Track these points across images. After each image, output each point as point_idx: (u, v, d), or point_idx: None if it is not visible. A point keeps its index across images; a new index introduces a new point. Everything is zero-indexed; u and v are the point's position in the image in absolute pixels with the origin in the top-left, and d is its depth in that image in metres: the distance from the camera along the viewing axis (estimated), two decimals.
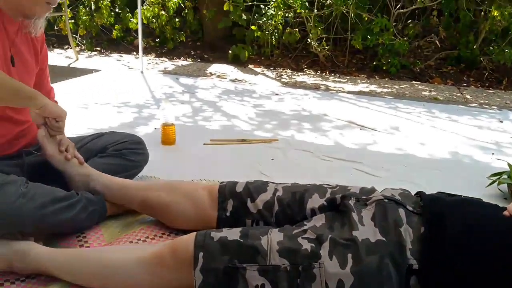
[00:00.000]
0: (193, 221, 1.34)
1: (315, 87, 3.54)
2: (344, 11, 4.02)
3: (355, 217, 1.07)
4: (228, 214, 1.30)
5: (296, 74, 3.97)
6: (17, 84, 1.24)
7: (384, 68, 3.99)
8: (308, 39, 4.19)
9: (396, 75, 3.98)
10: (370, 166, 2.00)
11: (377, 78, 3.96)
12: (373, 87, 3.61)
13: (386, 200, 1.10)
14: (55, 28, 4.64)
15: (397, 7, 4.00)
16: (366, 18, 4.02)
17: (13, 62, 1.38)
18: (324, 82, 3.71)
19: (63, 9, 4.09)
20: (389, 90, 3.55)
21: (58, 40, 4.67)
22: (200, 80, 3.57)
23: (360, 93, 3.41)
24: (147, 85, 3.32)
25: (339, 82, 3.77)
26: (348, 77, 3.94)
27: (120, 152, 1.61)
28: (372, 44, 3.92)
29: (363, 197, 1.14)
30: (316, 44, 4.07)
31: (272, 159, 2.07)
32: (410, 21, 4.32)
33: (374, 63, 4.15)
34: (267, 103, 3.01)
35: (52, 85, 1.66)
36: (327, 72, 4.08)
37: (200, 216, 1.33)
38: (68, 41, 4.22)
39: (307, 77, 3.88)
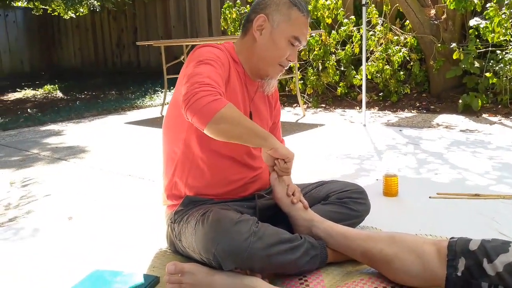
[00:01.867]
0: (417, 277, 1.23)
1: None
2: None
3: None
4: (459, 273, 1.16)
5: None
6: (252, 124, 1.36)
7: None
8: None
9: None
10: None
11: None
12: None
13: None
14: (286, 89, 5.12)
15: None
16: None
17: (251, 117, 1.56)
18: None
19: (294, 71, 4.50)
20: None
21: (288, 99, 5.13)
22: (425, 131, 3.39)
23: None
24: (369, 137, 3.32)
25: None
26: None
27: (342, 200, 1.62)
28: None
29: None
30: None
31: None
32: None
33: None
34: (506, 155, 2.64)
35: (283, 138, 1.81)
36: None
37: (426, 273, 1.22)
38: (297, 99, 4.59)
39: None
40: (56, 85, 8.07)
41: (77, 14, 7.79)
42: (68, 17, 7.87)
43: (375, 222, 1.74)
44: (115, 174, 2.71)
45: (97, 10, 7.75)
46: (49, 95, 7.23)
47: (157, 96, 6.15)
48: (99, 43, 9.42)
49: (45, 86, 8.00)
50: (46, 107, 5.90)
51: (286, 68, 1.57)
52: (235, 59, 1.53)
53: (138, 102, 5.76)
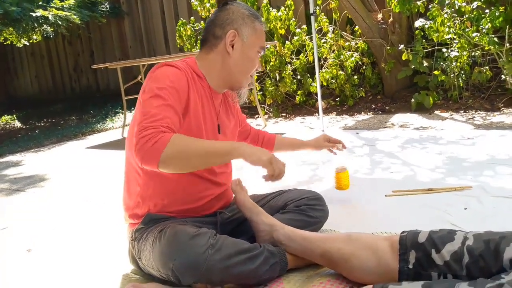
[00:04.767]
0: (373, 273, 1.28)
1: None
2: None
3: None
4: (410, 266, 1.21)
5: (492, 115, 3.58)
6: (208, 145, 1.33)
7: None
8: (502, 76, 3.77)
9: None
10: None
11: None
12: None
13: None
14: (247, 100, 5.16)
15: None
16: None
17: (219, 130, 1.59)
18: None
19: (252, 83, 4.55)
20: None
21: (250, 111, 5.17)
22: (380, 132, 3.49)
23: None
24: None
25: None
26: None
27: (300, 208, 1.66)
28: None
29: None
30: None
31: (465, 209, 1.86)
32: None
33: None
34: (456, 149, 2.76)
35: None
36: None
37: (380, 268, 1.27)
38: (257, 111, 4.64)
39: (505, 117, 3.46)
40: (14, 115, 7.87)
41: (31, 41, 7.65)
42: (22, 45, 7.71)
43: (334, 225, 1.78)
44: (75, 201, 2.67)
45: (51, 36, 7.63)
46: (7, 126, 7.04)
47: (118, 118, 6.09)
48: (55, 69, 9.25)
49: (2, 117, 7.79)
50: (3, 138, 5.75)
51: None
52: (199, 74, 1.52)
53: (98, 126, 5.68)
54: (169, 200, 1.51)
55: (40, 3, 5.86)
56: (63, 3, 5.93)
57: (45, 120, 7.05)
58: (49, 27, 7.07)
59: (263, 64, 4.95)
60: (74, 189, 2.95)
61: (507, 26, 3.62)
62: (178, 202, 1.52)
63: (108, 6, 7.37)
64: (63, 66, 9.10)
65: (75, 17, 6.02)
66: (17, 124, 7.14)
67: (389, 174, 2.45)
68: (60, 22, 5.92)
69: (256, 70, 1.59)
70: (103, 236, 2.04)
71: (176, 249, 1.28)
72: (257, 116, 4.94)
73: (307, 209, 1.66)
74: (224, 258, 1.28)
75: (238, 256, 1.31)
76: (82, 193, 2.81)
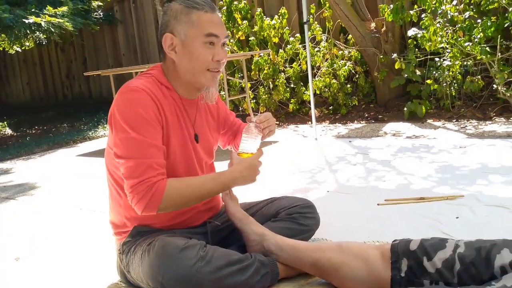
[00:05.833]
0: (365, 282, 1.27)
1: (508, 135, 3.13)
2: None
3: None
4: (402, 274, 1.21)
5: (484, 124, 3.60)
6: (199, 189, 1.41)
7: None
8: (494, 85, 3.80)
9: None
10: None
11: None
12: None
13: None
14: (240, 109, 5.16)
15: None
16: None
17: (197, 139, 1.53)
18: None
19: (246, 91, 4.55)
20: None
21: (243, 119, 5.16)
22: (373, 141, 3.49)
23: None
24: (320, 150, 3.38)
25: None
26: None
27: (292, 216, 1.65)
28: None
29: None
30: (504, 89, 3.66)
31: (457, 217, 1.85)
32: None
33: None
34: (448, 158, 2.76)
35: None
36: None
37: (371, 277, 1.26)
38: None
39: (497, 126, 3.48)
40: (5, 122, 7.81)
41: (23, 48, 7.62)
42: (14, 52, 7.68)
43: (326, 233, 1.77)
44: (65, 209, 2.64)
45: (44, 43, 7.61)
46: None
47: None
48: (48, 76, 9.21)
49: None
50: None
51: (220, 70, 1.46)
52: (168, 86, 1.46)
53: (90, 133, 5.65)
54: (155, 220, 1.48)
55: (33, 10, 5.83)
56: (56, 10, 5.91)
57: (36, 127, 7.00)
58: (41, 34, 7.04)
59: (257, 72, 4.96)
60: (65, 197, 2.91)
61: (499, 36, 3.65)
62: (163, 219, 1.48)
63: (101, 13, 7.37)
64: (56, 73, 9.07)
65: (68, 24, 6.00)
66: (8, 131, 7.08)
67: (381, 182, 2.44)
68: (53, 29, 5.89)
69: (218, 61, 1.43)
70: (93, 245, 2.01)
71: (165, 263, 1.26)
72: None
73: (298, 217, 1.64)
74: (215, 270, 1.27)
75: (229, 267, 1.30)
76: (73, 201, 2.77)
